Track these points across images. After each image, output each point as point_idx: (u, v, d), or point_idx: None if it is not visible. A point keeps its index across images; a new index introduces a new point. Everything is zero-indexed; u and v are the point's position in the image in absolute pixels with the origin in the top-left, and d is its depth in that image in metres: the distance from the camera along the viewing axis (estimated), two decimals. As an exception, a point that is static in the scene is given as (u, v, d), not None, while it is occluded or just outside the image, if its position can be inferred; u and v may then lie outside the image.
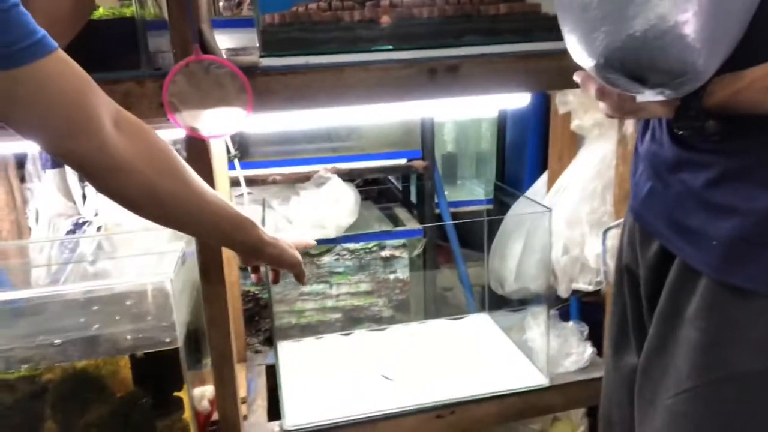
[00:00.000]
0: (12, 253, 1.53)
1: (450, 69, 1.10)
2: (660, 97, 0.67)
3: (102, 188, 0.71)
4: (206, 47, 1.02)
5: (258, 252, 0.91)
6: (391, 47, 1.11)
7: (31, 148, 1.49)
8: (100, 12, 0.97)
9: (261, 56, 1.05)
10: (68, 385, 1.18)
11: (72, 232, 1.58)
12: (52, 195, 1.66)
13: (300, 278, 1.05)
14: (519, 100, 1.26)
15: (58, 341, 1.13)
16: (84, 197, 1.65)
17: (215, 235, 0.87)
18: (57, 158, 0.68)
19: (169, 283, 1.09)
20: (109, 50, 0.99)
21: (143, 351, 1.15)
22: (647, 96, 0.67)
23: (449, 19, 1.13)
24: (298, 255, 0.99)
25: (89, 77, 0.66)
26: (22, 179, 1.68)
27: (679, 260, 0.77)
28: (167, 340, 1.15)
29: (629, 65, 0.63)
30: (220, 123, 1.02)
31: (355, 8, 1.12)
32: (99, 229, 1.62)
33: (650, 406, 0.83)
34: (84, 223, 1.59)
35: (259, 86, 1.02)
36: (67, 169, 1.63)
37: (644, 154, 0.85)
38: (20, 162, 1.67)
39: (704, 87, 0.65)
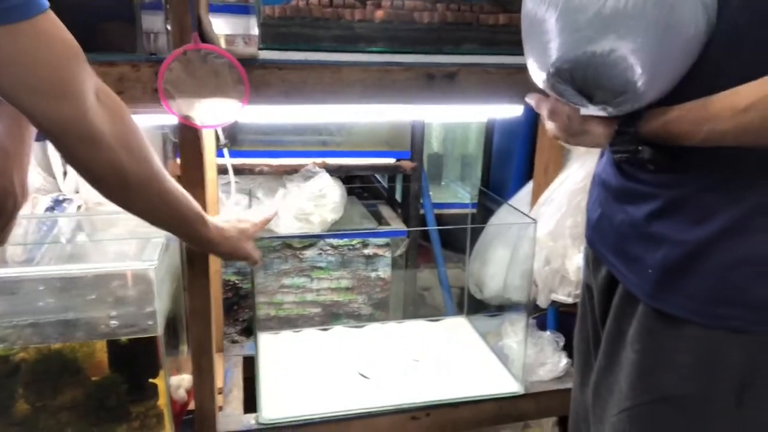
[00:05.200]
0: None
1: (448, 76, 1.10)
2: (602, 113, 0.71)
3: (73, 158, 0.70)
4: (204, 35, 1.01)
5: (205, 248, 0.94)
6: (390, 50, 1.11)
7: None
8: (98, -9, 0.95)
9: (260, 48, 1.04)
10: (42, 365, 1.17)
11: (51, 208, 1.55)
12: (33, 169, 1.63)
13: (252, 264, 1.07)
14: (512, 110, 1.27)
15: (34, 322, 1.11)
16: (65, 173, 1.61)
17: (165, 223, 0.89)
18: (34, 122, 0.66)
19: (152, 272, 1.08)
20: (102, 30, 0.97)
21: (122, 338, 1.14)
22: (591, 110, 0.72)
23: (449, 26, 1.14)
24: (248, 249, 1.02)
25: (77, 44, 0.64)
26: (3, 152, 1.64)
27: (623, 285, 0.81)
28: (147, 327, 1.14)
29: (577, 79, 0.68)
30: (214, 113, 1.01)
31: (356, 6, 1.11)
32: (79, 207, 1.59)
33: (600, 423, 0.88)
34: (64, 200, 1.56)
35: (255, 78, 1.01)
36: (49, 143, 1.60)
37: (597, 181, 0.88)
38: (1, 134, 1.63)
39: (641, 115, 0.70)
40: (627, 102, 0.68)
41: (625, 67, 0.65)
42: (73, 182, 1.60)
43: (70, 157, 0.71)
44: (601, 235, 0.87)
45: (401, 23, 1.12)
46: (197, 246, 0.93)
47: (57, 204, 1.52)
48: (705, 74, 0.66)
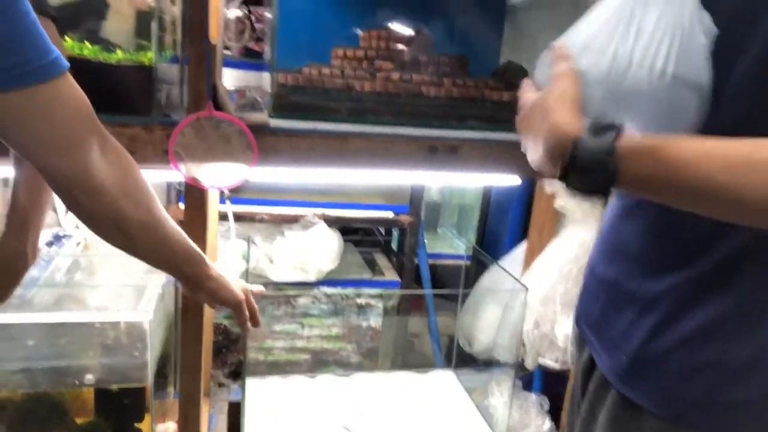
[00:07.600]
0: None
1: (450, 149, 1.14)
2: None
3: (75, 208, 0.73)
4: (218, 101, 1.04)
5: (199, 284, 0.92)
6: (396, 122, 1.15)
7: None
8: (119, 56, 0.98)
9: (270, 116, 1.08)
10: (28, 406, 1.17)
11: (50, 243, 1.56)
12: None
13: (239, 317, 0.99)
14: (511, 179, 1.31)
15: (25, 368, 1.12)
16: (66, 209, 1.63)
17: (165, 265, 0.89)
18: (42, 173, 0.69)
19: (147, 324, 1.10)
20: (121, 94, 1.00)
21: (112, 385, 1.15)
22: None
23: (454, 101, 1.18)
24: (239, 295, 0.96)
25: (88, 101, 0.68)
26: (5, 183, 1.66)
27: (599, 369, 0.84)
28: (138, 376, 1.15)
29: None
30: (222, 175, 1.04)
31: (366, 79, 1.15)
32: (78, 244, 1.61)
33: None
34: (64, 236, 1.58)
35: (265, 145, 1.04)
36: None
37: (591, 262, 0.91)
38: (5, 164, 1.64)
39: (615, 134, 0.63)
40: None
41: None
42: (74, 218, 1.62)
43: (74, 207, 0.73)
44: (588, 317, 0.90)
45: (408, 97, 1.16)
46: (194, 282, 0.91)
47: (57, 239, 1.54)
48: None
